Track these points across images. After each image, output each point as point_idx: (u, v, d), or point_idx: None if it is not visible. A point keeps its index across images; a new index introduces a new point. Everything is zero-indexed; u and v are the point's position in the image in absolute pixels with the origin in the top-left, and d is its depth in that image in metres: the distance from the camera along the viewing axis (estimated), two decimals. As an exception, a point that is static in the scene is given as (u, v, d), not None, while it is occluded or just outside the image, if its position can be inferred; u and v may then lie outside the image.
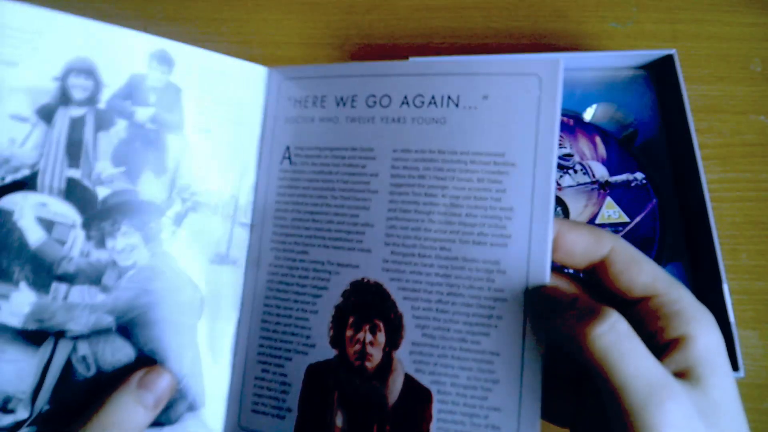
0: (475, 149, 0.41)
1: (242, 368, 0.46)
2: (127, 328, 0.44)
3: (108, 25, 0.44)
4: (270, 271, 0.46)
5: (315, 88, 0.46)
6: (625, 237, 0.65)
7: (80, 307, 0.43)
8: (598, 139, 0.70)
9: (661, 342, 0.35)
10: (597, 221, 0.67)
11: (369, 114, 0.44)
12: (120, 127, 0.45)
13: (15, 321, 0.42)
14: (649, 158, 0.70)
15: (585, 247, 0.39)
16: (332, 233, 0.44)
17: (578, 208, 0.67)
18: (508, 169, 0.40)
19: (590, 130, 0.71)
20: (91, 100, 0.44)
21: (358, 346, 0.42)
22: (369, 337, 0.42)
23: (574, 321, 0.34)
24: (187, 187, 0.46)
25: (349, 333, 0.42)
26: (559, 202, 0.68)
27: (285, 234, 0.46)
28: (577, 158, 0.69)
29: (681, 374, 0.33)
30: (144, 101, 0.45)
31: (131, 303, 0.44)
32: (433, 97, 0.42)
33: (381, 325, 0.42)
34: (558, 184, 0.68)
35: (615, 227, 0.66)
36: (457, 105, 0.42)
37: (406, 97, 0.43)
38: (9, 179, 0.42)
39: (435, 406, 0.40)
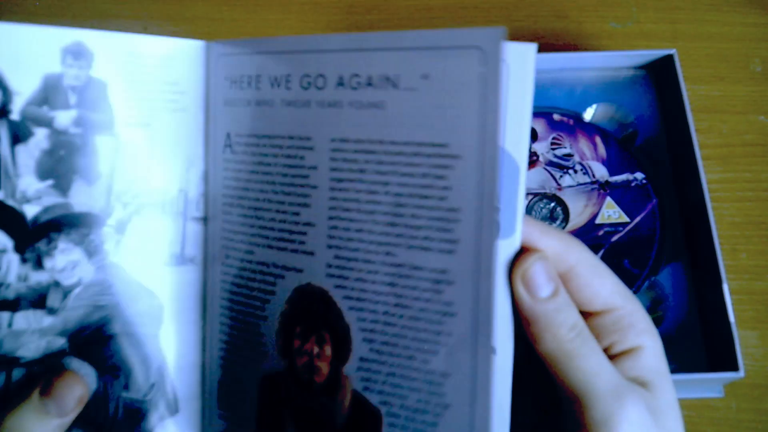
0: (416, 139, 0.35)
1: (209, 371, 0.44)
2: (82, 347, 0.42)
3: (8, 24, 0.39)
4: (222, 270, 0.43)
5: (249, 67, 0.40)
6: (625, 237, 0.67)
7: (28, 332, 0.41)
8: (598, 139, 0.71)
9: (615, 352, 0.35)
10: (597, 221, 0.68)
11: (304, 97, 0.38)
12: (40, 136, 0.41)
13: None
14: (649, 158, 0.71)
15: (553, 255, 0.35)
16: (275, 232, 0.40)
17: (578, 208, 0.68)
18: (453, 163, 0.34)
19: (590, 130, 0.71)
20: (1, 113, 0.40)
21: (305, 359, 0.38)
22: (316, 350, 0.38)
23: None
24: (127, 190, 0.42)
25: (297, 343, 0.39)
26: (560, 202, 0.69)
27: (233, 231, 0.42)
28: (577, 158, 0.70)
29: (632, 380, 0.34)
30: (63, 104, 0.41)
31: (82, 321, 0.42)
32: (370, 78, 0.36)
33: (327, 336, 0.38)
34: (558, 184, 0.69)
35: (615, 227, 0.68)
36: (396, 86, 0.35)
37: (341, 78, 0.37)
38: None
39: (384, 429, 0.36)
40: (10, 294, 0.41)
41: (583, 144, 0.71)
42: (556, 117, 0.72)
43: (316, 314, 0.38)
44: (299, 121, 0.38)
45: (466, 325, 0.34)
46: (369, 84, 0.36)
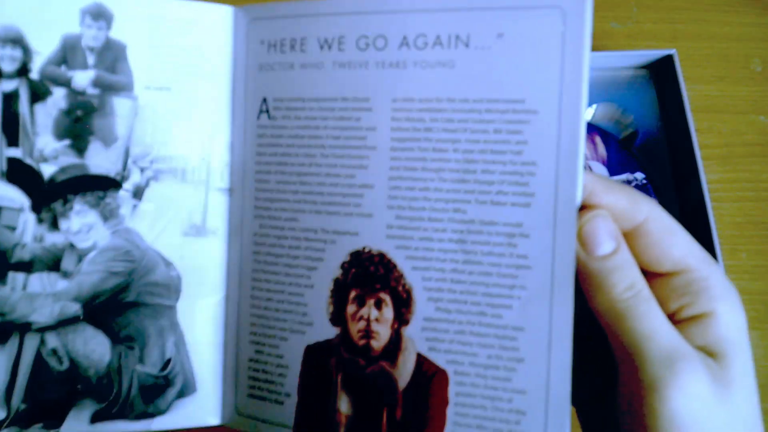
0: (490, 96, 0.35)
1: (234, 349, 0.41)
2: (97, 315, 0.39)
3: None
4: (256, 241, 0.41)
5: (292, 29, 0.39)
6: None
7: (42, 296, 0.38)
8: (598, 139, 0.71)
9: (683, 317, 0.33)
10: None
11: (361, 58, 0.38)
12: (57, 96, 0.39)
13: None
14: (649, 158, 0.71)
15: (619, 212, 0.34)
16: (325, 197, 0.39)
17: (578, 208, 0.69)
18: (530, 118, 0.35)
19: (590, 130, 0.71)
20: (21, 71, 0.38)
21: (362, 324, 0.37)
22: (374, 314, 0.37)
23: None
24: (146, 154, 0.40)
25: (351, 309, 0.38)
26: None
27: (269, 199, 0.40)
28: (577, 158, 0.71)
29: (700, 349, 0.32)
30: (82, 64, 0.39)
31: (97, 288, 0.39)
32: (438, 37, 0.36)
33: (387, 299, 0.37)
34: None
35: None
36: (467, 45, 0.36)
37: (405, 38, 0.37)
38: None
39: (452, 389, 0.36)
40: (26, 255, 0.38)
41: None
42: (555, 117, 0.72)
43: (374, 277, 0.37)
44: (354, 82, 0.38)
45: (542, 278, 0.34)
46: (436, 44, 0.36)
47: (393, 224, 0.37)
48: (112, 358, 0.40)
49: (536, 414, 0.34)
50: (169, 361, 0.40)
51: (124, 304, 0.40)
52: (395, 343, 0.37)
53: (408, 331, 0.37)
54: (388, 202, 0.37)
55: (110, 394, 0.40)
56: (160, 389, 0.40)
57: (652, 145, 0.72)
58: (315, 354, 0.39)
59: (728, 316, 0.33)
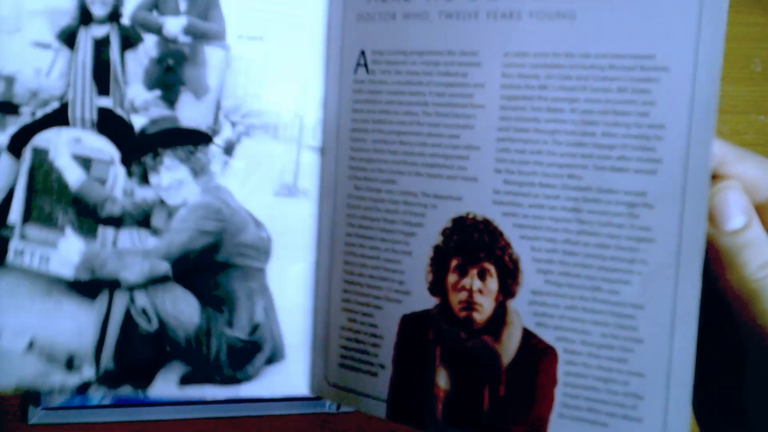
0: (614, 50, 0.32)
1: (325, 316, 0.40)
2: (186, 275, 0.38)
3: None
4: (349, 204, 0.39)
5: None
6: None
7: (131, 253, 0.38)
8: None
9: None
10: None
11: (471, 8, 0.35)
12: (149, 43, 0.38)
13: (66, 271, 0.38)
14: None
15: (751, 183, 0.32)
16: (426, 158, 0.36)
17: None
18: (659, 76, 0.31)
19: None
20: (113, 16, 0.37)
21: (463, 295, 0.35)
22: (477, 284, 0.35)
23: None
24: (238, 108, 0.38)
25: (452, 279, 0.35)
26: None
27: (365, 159, 0.38)
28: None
29: None
30: (173, 9, 0.38)
31: (187, 246, 0.38)
32: None
33: (492, 269, 0.34)
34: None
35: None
36: None
37: None
38: (40, 114, 0.37)
39: (560, 368, 0.33)
40: (116, 209, 0.38)
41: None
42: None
43: (478, 245, 0.35)
44: (462, 34, 0.35)
45: (667, 252, 0.31)
46: None
47: (500, 189, 0.34)
48: (201, 320, 0.39)
49: (655, 399, 0.32)
50: (258, 325, 0.39)
51: (214, 264, 0.39)
52: (499, 316, 0.34)
53: (514, 304, 0.34)
54: (496, 166, 0.34)
55: (199, 357, 0.39)
56: (249, 355, 0.39)
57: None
58: (412, 325, 0.37)
59: None
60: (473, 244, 0.35)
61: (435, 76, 0.36)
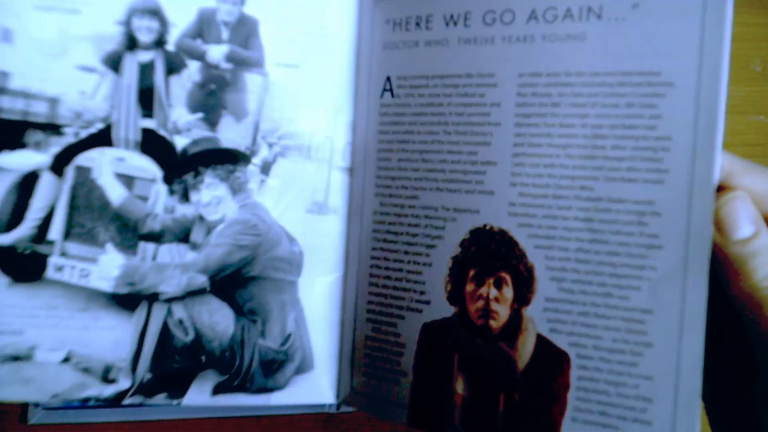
0: (623, 68, 0.34)
1: (351, 327, 0.42)
2: (223, 287, 0.41)
3: None
4: (375, 219, 0.41)
5: (417, 7, 0.40)
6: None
7: (170, 267, 0.40)
8: None
9: None
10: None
11: (487, 33, 0.37)
12: (192, 69, 0.41)
13: (106, 285, 0.40)
14: None
15: (759, 194, 0.32)
16: (446, 174, 0.38)
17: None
18: (665, 91, 0.33)
19: None
20: (158, 43, 0.40)
21: (480, 303, 0.37)
22: (494, 293, 0.36)
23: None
24: (274, 130, 0.41)
25: (469, 288, 0.37)
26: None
27: (390, 177, 0.40)
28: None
29: None
30: (216, 38, 0.41)
31: (224, 260, 0.40)
32: (568, 10, 0.35)
33: (508, 278, 0.36)
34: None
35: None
36: (599, 17, 0.34)
37: (534, 11, 0.36)
38: (83, 134, 0.40)
39: (573, 372, 0.34)
40: (156, 225, 0.40)
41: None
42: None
43: (494, 256, 0.36)
44: (480, 58, 0.37)
45: (674, 258, 0.32)
46: (567, 16, 0.35)
47: (515, 201, 0.36)
48: (236, 330, 0.41)
49: (664, 402, 0.32)
50: (289, 336, 0.41)
51: (249, 277, 0.41)
52: (515, 323, 0.36)
53: (528, 312, 0.35)
54: (511, 179, 0.36)
55: (232, 367, 0.41)
56: (280, 364, 0.41)
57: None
58: (432, 332, 0.38)
59: None
60: (490, 254, 0.36)
61: (455, 98, 0.38)
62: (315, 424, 0.53)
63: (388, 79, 0.41)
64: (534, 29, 0.36)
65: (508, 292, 0.36)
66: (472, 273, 0.37)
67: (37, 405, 0.47)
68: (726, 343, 0.34)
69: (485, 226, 0.37)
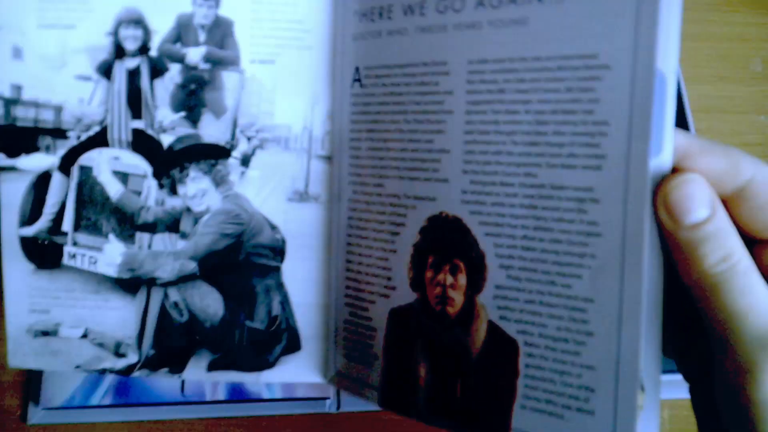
0: (562, 52, 0.33)
1: (332, 311, 0.44)
2: (211, 273, 0.44)
3: None
4: (350, 206, 0.42)
5: None
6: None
7: (164, 254, 0.44)
8: None
9: None
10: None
11: (440, 21, 0.37)
12: (174, 71, 0.44)
13: (111, 271, 0.44)
14: None
15: (717, 175, 0.31)
16: (407, 162, 0.39)
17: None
18: (602, 74, 0.32)
19: None
20: (142, 49, 0.43)
21: (438, 290, 0.37)
22: (450, 279, 0.37)
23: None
24: (252, 124, 0.43)
25: (429, 275, 0.38)
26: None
27: (361, 165, 0.41)
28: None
29: None
30: (194, 41, 0.43)
31: (211, 247, 0.43)
32: None
33: (461, 265, 0.36)
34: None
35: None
36: (540, 0, 0.34)
37: None
38: (84, 137, 0.44)
39: (522, 360, 0.35)
40: (149, 217, 0.44)
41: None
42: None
43: (449, 243, 0.37)
44: (434, 46, 0.38)
45: (612, 247, 0.32)
46: (511, 1, 0.35)
47: (467, 189, 0.36)
48: (225, 313, 0.44)
49: (605, 392, 0.32)
50: (275, 318, 0.44)
51: (235, 263, 0.44)
52: (469, 310, 0.36)
53: (481, 299, 0.36)
54: (463, 167, 0.36)
55: (224, 346, 0.44)
56: (268, 344, 0.44)
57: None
58: (398, 317, 0.39)
59: None
60: (445, 241, 0.37)
61: (413, 86, 0.38)
62: (315, 424, 0.55)
63: (357, 69, 0.41)
64: (482, 15, 0.36)
65: (463, 279, 0.36)
66: (430, 260, 0.38)
67: (37, 404, 0.52)
68: (691, 330, 0.34)
69: (441, 213, 0.37)
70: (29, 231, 0.44)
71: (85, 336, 0.44)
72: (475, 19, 0.36)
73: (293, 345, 0.44)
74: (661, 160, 0.31)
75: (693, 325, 0.33)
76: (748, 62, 0.75)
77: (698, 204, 0.30)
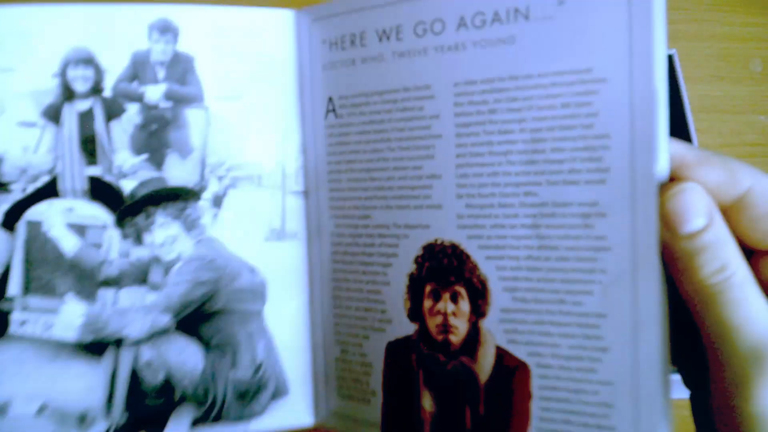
0: (554, 68, 0.33)
1: (322, 350, 0.41)
2: (188, 325, 0.41)
3: (98, 5, 0.40)
4: (333, 241, 0.40)
5: (351, 25, 0.39)
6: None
7: (132, 310, 0.40)
8: None
9: None
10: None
11: (419, 45, 0.37)
12: (132, 112, 0.41)
13: (71, 335, 0.40)
14: None
15: (714, 184, 0.31)
16: (395, 191, 0.38)
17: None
18: (599, 87, 0.32)
19: None
20: (95, 90, 0.40)
21: (439, 318, 0.36)
22: (451, 307, 0.36)
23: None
24: (221, 163, 0.41)
25: (427, 304, 0.37)
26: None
27: (342, 198, 0.40)
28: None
29: None
30: (152, 78, 0.41)
31: (185, 297, 0.40)
32: (496, 13, 0.34)
33: (463, 291, 0.35)
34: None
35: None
36: (527, 17, 0.34)
37: (462, 18, 0.35)
38: (30, 189, 0.40)
39: (534, 382, 0.34)
40: (113, 271, 0.40)
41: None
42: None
43: (448, 270, 0.36)
44: (415, 70, 0.37)
45: (623, 259, 0.32)
46: (495, 20, 0.34)
47: (463, 214, 0.35)
48: (206, 365, 0.41)
49: (624, 407, 0.32)
50: (260, 365, 0.41)
51: (213, 312, 0.41)
52: (473, 336, 0.35)
53: (486, 324, 0.35)
54: (457, 191, 0.36)
55: (207, 401, 0.41)
56: (255, 393, 0.41)
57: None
58: (396, 351, 0.38)
59: None
60: (443, 269, 0.36)
61: (395, 113, 0.38)
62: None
63: (330, 99, 0.40)
64: (464, 36, 0.35)
65: (465, 305, 0.35)
66: (428, 289, 0.37)
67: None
68: (691, 340, 0.33)
69: (436, 240, 0.36)
70: (-35, 300, 0.40)
71: (41, 411, 0.40)
72: (458, 40, 0.35)
73: (281, 390, 0.41)
74: (657, 169, 0.32)
75: (692, 336, 0.33)
76: (748, 62, 0.76)
77: (695, 213, 0.30)
